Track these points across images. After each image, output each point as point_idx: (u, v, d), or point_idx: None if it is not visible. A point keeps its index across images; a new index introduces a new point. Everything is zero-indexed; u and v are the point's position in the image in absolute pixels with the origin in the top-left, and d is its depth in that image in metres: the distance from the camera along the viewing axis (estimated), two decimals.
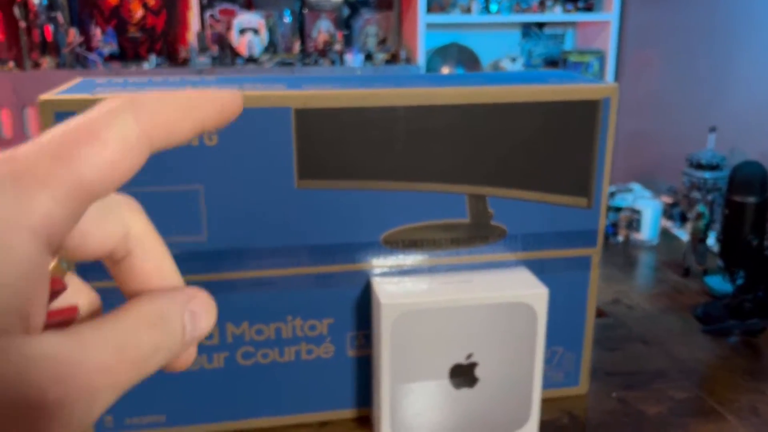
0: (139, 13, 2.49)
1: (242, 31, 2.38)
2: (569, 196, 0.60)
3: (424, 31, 2.51)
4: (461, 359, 0.57)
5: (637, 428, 0.63)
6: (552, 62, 2.91)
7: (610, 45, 2.70)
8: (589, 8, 2.73)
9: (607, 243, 1.13)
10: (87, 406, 0.17)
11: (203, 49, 2.41)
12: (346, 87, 0.56)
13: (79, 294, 0.24)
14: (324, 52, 2.54)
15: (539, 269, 0.61)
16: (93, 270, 0.33)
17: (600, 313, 0.85)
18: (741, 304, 0.83)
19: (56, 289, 0.21)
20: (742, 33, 2.05)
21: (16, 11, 2.27)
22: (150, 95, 0.19)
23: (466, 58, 2.75)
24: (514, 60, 2.78)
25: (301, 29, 2.60)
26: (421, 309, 0.55)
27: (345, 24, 2.67)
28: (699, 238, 1.01)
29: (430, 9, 2.54)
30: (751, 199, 0.83)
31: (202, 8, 2.47)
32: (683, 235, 1.32)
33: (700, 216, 1.04)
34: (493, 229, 0.60)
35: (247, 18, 2.40)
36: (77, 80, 0.59)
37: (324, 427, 0.63)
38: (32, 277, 0.17)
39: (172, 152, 0.53)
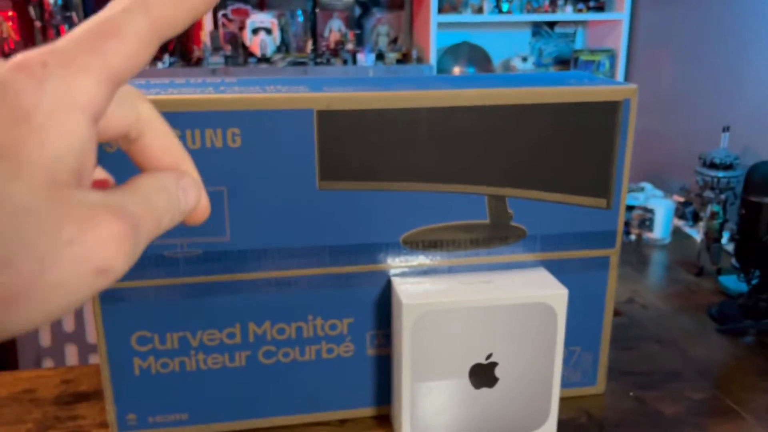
0: None
1: (255, 31, 2.39)
2: (589, 197, 0.61)
3: (435, 30, 2.51)
4: (481, 359, 0.57)
5: (655, 428, 0.63)
6: (563, 61, 2.90)
7: (621, 44, 2.70)
8: (600, 7, 2.72)
9: None
10: (139, 240, 0.22)
11: (216, 48, 2.42)
12: (366, 89, 0.57)
13: (101, 173, 0.29)
14: (336, 51, 2.55)
15: (558, 270, 0.62)
16: None
17: (615, 313, 0.86)
18: (756, 304, 0.83)
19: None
20: (756, 31, 2.05)
21: (32, 11, 2.29)
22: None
23: (477, 58, 2.75)
24: (525, 59, 2.78)
25: (313, 29, 2.60)
26: (441, 309, 0.56)
27: (357, 23, 2.68)
28: (713, 237, 1.01)
29: (441, 9, 2.54)
30: None
31: (215, 8, 2.48)
32: (695, 234, 1.32)
33: (714, 215, 1.04)
34: (513, 230, 0.61)
35: (260, 17, 2.41)
36: None
37: (343, 425, 0.63)
38: (86, 147, 0.21)
39: (195, 154, 0.54)
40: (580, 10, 2.70)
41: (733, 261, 0.91)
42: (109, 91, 0.22)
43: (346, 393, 0.63)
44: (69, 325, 1.62)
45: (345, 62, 2.53)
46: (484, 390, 0.58)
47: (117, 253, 0.20)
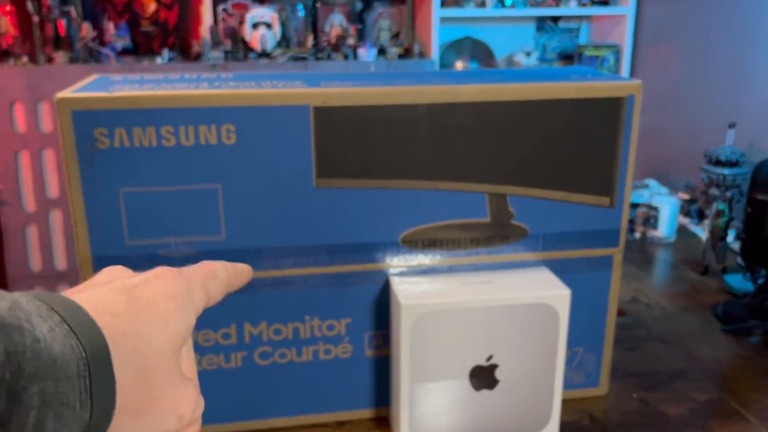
0: (151, 7, 2.49)
1: (255, 26, 2.37)
2: (592, 195, 0.59)
3: (438, 25, 2.49)
4: (481, 360, 0.56)
5: (659, 430, 0.62)
6: (567, 57, 2.88)
7: (626, 39, 2.68)
8: (604, 2, 2.70)
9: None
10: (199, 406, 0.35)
11: (216, 43, 2.41)
12: (365, 84, 0.55)
13: None
14: (337, 46, 2.53)
15: (560, 269, 0.60)
16: None
17: (619, 312, 0.84)
18: (762, 304, 0.82)
19: None
20: (762, 26, 2.03)
21: (29, 6, 2.27)
22: (225, 268, 0.38)
23: (480, 53, 2.73)
24: (528, 54, 2.76)
25: (313, 23, 2.58)
26: (441, 310, 0.54)
27: (358, 18, 2.66)
28: (719, 235, 1.00)
29: (444, 3, 2.52)
30: None
31: (215, 2, 2.46)
32: (701, 232, 1.30)
33: (719, 213, 1.02)
34: (514, 229, 0.59)
35: (260, 12, 2.39)
36: (93, 77, 0.59)
37: (342, 426, 0.62)
38: (189, 332, 0.33)
39: (189, 151, 0.53)
40: (584, 5, 2.68)
41: (739, 260, 0.89)
42: (205, 304, 0.36)
43: (344, 394, 0.62)
44: None
45: (346, 57, 2.51)
46: (485, 392, 0.57)
47: (188, 410, 0.33)
